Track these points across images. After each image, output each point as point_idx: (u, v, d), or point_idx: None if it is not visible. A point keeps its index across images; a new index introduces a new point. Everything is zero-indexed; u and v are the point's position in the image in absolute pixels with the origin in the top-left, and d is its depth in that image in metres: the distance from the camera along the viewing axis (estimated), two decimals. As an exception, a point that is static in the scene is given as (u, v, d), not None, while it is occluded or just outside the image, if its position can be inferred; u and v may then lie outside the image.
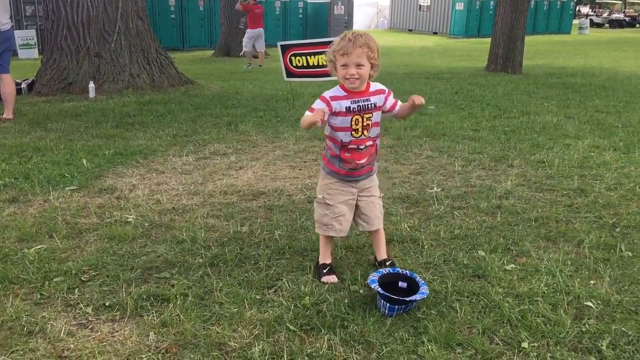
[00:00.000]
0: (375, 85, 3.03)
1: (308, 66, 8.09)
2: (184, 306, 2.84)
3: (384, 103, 3.04)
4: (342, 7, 26.92)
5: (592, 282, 3.08)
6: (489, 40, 14.04)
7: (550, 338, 2.57)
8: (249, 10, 14.80)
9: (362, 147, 3.03)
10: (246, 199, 4.44)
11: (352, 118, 2.96)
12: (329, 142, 3.10)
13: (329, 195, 3.12)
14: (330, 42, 8.70)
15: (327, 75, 8.12)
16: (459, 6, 30.72)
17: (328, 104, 2.93)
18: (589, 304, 2.85)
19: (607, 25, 41.58)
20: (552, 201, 4.34)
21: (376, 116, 3.04)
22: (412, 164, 5.42)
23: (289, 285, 3.06)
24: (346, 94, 2.96)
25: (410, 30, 35.18)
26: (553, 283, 3.05)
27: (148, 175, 5.06)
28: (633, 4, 55.60)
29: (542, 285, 3.02)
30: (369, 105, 2.99)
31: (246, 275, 3.18)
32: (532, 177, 4.94)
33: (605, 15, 44.76)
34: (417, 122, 7.21)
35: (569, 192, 4.52)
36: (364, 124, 3.00)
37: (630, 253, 3.41)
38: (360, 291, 3.01)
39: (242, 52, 15.72)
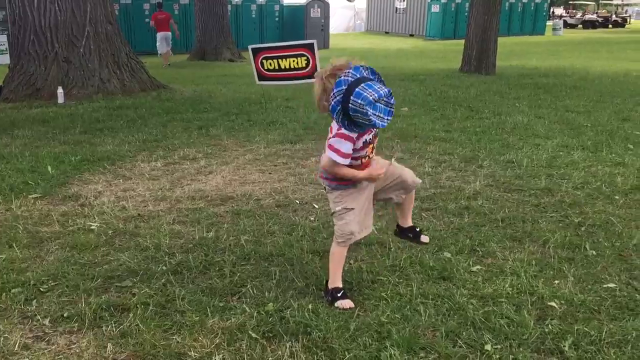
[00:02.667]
0: None
1: (280, 69, 8.05)
2: (144, 316, 2.78)
3: None
4: (319, 10, 26.88)
5: (556, 282, 3.08)
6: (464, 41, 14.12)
7: (514, 339, 2.56)
8: (153, 17, 17.29)
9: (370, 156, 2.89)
10: (214, 204, 4.39)
11: (366, 150, 2.80)
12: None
13: (348, 201, 2.84)
14: (301, 45, 8.56)
15: (299, 78, 8.09)
16: (435, 8, 30.93)
17: (354, 142, 2.72)
18: (553, 304, 2.85)
19: (580, 26, 42.17)
20: (519, 201, 4.36)
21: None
22: (382, 166, 5.40)
23: (253, 292, 3.02)
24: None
25: (386, 33, 35.32)
26: (517, 284, 3.05)
27: (115, 181, 4.97)
28: (606, 5, 56.56)
29: (507, 286, 3.02)
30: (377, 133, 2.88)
31: (210, 282, 3.13)
32: (501, 177, 4.95)
33: (578, 16, 45.40)
34: (389, 124, 7.19)
35: (536, 192, 4.54)
36: (374, 147, 2.88)
37: (594, 252, 3.43)
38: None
39: (159, 54, 17.95)
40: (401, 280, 3.13)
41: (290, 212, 4.22)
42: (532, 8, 34.36)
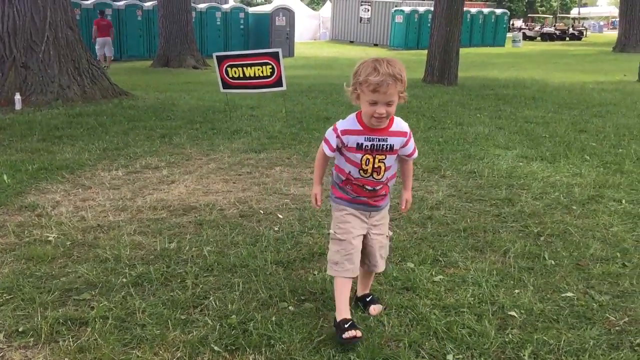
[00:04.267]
0: (398, 123, 2.64)
1: (245, 77, 8.03)
2: (103, 330, 2.71)
3: (402, 147, 2.67)
4: (284, 18, 26.95)
5: (516, 291, 3.14)
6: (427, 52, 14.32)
7: (475, 349, 2.59)
8: (96, 23, 18.43)
9: (368, 187, 2.68)
10: (176, 214, 4.32)
11: (362, 156, 2.60)
12: (334, 170, 2.77)
13: (341, 230, 2.71)
14: (266, 53, 8.53)
15: (264, 86, 8.09)
16: (398, 19, 31.38)
17: (338, 137, 2.61)
18: (513, 313, 2.89)
19: (539, 38, 43.32)
20: (480, 211, 4.42)
21: (390, 159, 2.64)
22: (347, 175, 5.41)
23: (215, 304, 2.98)
24: (362, 128, 2.58)
25: (351, 42, 35.63)
26: (479, 293, 3.09)
27: (73, 191, 4.85)
28: (563, 18, 58.26)
29: (469, 295, 3.06)
30: (384, 146, 2.60)
31: (171, 294, 3.07)
32: (462, 187, 5.03)
33: (537, 29, 46.61)
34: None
35: (497, 202, 4.62)
36: (375, 166, 2.62)
37: (553, 261, 3.50)
38: (290, 308, 2.96)
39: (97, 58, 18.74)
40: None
41: (254, 222, 4.19)
42: (493, 20, 35.19)
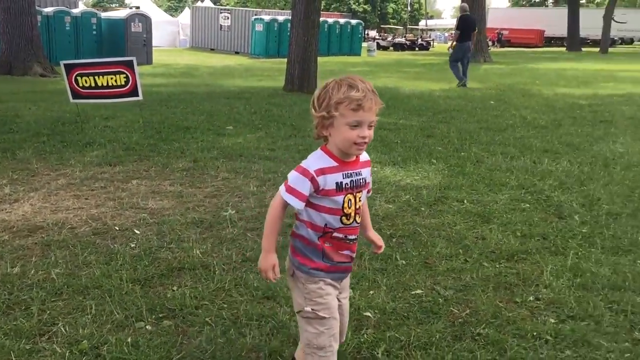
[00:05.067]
0: (363, 153, 2.23)
1: (97, 87, 7.64)
2: None
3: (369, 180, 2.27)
4: (140, 24, 25.98)
5: (371, 292, 3.29)
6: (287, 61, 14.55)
7: (333, 352, 2.67)
8: None
9: (351, 237, 2.21)
10: (20, 236, 4.01)
11: (344, 198, 2.12)
12: (304, 229, 2.21)
13: (321, 306, 2.16)
14: (119, 62, 8.18)
15: (118, 96, 7.75)
16: (258, 27, 31.60)
17: (313, 181, 2.06)
18: (368, 314, 3.04)
19: (391, 48, 45.76)
20: (338, 217, 4.58)
21: (364, 196, 2.24)
22: (207, 186, 5.36)
23: (65, 330, 2.81)
24: (337, 164, 2.11)
25: (212, 50, 35.27)
26: (336, 297, 3.19)
27: None
28: (412, 29, 62.19)
29: (327, 300, 3.15)
30: (361, 181, 2.18)
31: (15, 323, 2.85)
32: (321, 194, 5.17)
33: (389, 39, 49.23)
34: (214, 143, 7.18)
35: (353, 207, 4.81)
36: (357, 207, 2.17)
37: (404, 261, 3.72)
38: (147, 327, 2.87)
39: None
40: (226, 304, 3.12)
41: (109, 239, 4.01)
42: (349, 30, 36.63)
